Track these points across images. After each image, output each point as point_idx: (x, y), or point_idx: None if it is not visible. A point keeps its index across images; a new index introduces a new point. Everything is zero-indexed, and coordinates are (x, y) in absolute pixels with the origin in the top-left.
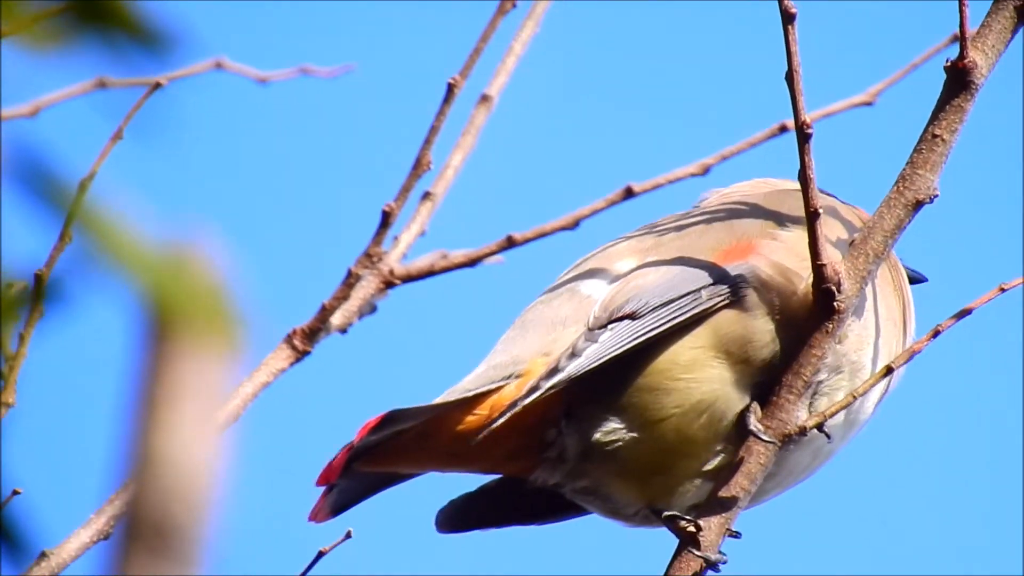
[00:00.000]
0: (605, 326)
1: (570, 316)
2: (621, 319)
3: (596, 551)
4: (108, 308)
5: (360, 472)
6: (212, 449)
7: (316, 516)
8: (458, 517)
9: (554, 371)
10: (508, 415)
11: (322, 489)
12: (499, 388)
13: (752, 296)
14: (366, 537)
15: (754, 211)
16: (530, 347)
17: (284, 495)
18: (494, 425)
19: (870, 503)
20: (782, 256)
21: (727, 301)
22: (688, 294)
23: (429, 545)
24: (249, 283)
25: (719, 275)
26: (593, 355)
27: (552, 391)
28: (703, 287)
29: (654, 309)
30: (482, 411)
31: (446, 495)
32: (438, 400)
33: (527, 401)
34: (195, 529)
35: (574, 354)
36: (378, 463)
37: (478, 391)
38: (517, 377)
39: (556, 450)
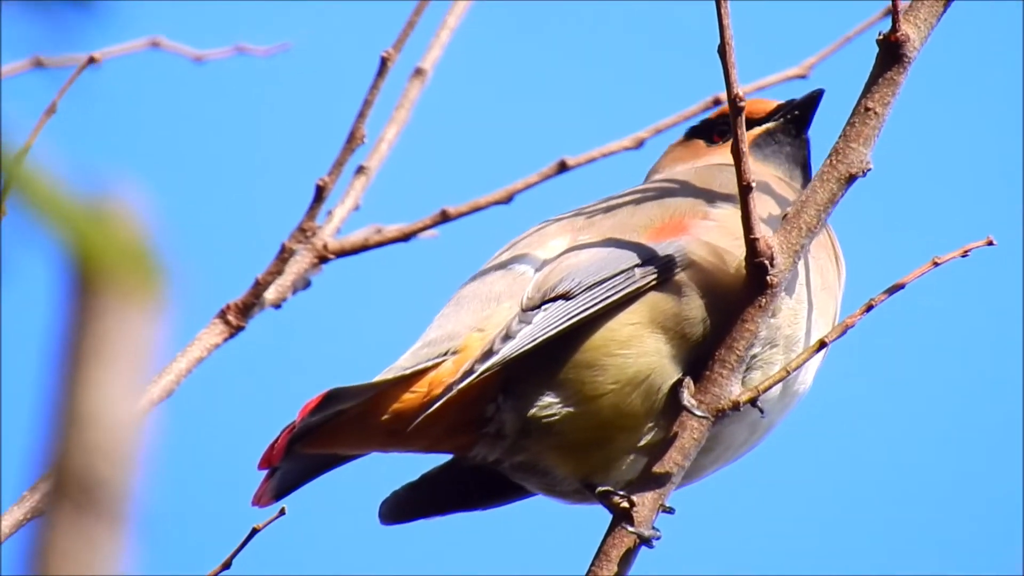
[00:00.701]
0: (539, 306)
1: (504, 292)
2: (554, 299)
3: (534, 531)
4: (38, 267)
5: (302, 454)
6: (138, 406)
7: (259, 500)
8: (401, 508)
9: (488, 353)
10: (444, 399)
11: (264, 472)
12: (436, 365)
13: (684, 275)
14: (309, 524)
15: (686, 188)
16: (465, 323)
17: (222, 473)
18: (430, 409)
19: (807, 480)
20: (713, 235)
21: (660, 279)
22: (620, 273)
23: (372, 531)
24: (176, 238)
25: (651, 254)
26: (527, 337)
27: (487, 373)
28: (635, 265)
29: (587, 289)
30: (420, 389)
31: (390, 480)
32: (377, 378)
33: (462, 384)
34: (121, 486)
35: (508, 336)
36: (319, 444)
37: (415, 368)
38: (454, 354)
39: (495, 426)
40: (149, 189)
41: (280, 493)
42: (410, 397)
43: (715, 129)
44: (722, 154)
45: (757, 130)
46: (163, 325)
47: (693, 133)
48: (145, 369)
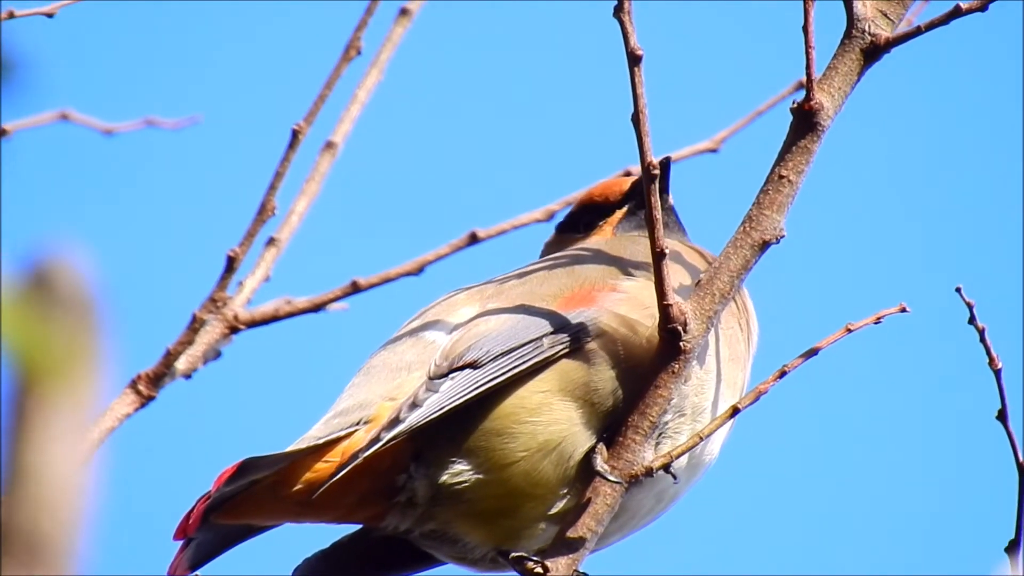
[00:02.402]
0: (446, 375)
1: (414, 362)
2: (462, 368)
3: None
4: None
5: (217, 524)
6: (80, 465)
7: (175, 570)
8: (313, 575)
9: (395, 421)
10: (350, 467)
11: (180, 543)
12: (349, 435)
13: (595, 344)
14: None
15: (597, 257)
16: (376, 392)
17: (135, 543)
18: (336, 477)
19: (719, 547)
20: (624, 307)
21: (569, 349)
22: (530, 342)
23: None
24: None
25: (561, 323)
26: (434, 405)
27: (394, 441)
28: (544, 335)
29: (495, 358)
30: (333, 458)
31: (303, 548)
32: (290, 448)
33: (369, 452)
34: (64, 542)
35: (415, 404)
36: (234, 514)
37: (328, 438)
38: (366, 423)
39: (406, 495)
40: (88, 255)
41: (196, 563)
42: (323, 467)
43: (581, 221)
44: (593, 241)
45: (618, 213)
46: (94, 393)
47: (562, 228)
48: (83, 433)
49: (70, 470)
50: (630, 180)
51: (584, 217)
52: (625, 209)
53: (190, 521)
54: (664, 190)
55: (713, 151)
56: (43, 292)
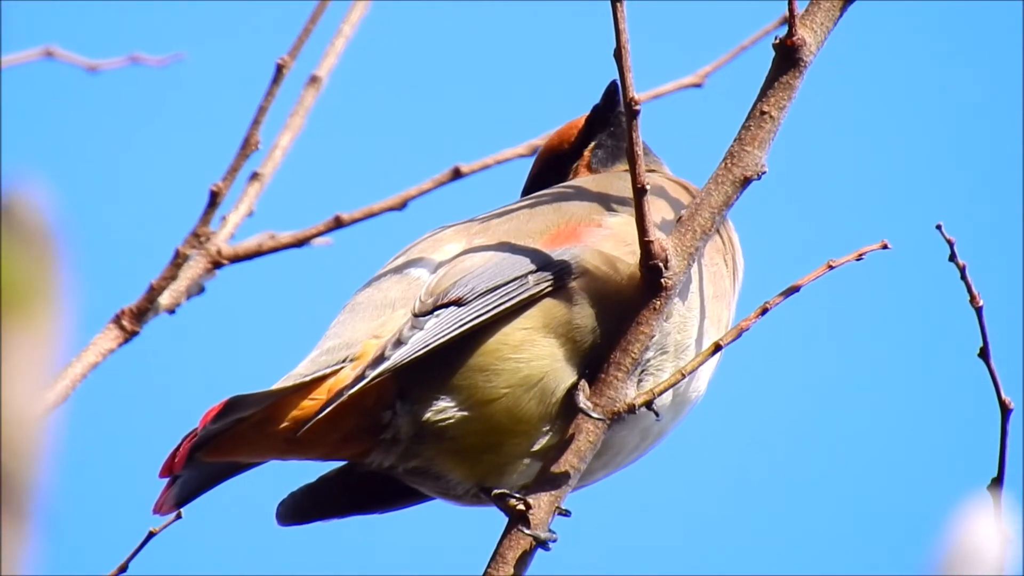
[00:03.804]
0: (431, 312)
1: (399, 299)
2: (447, 305)
3: (431, 533)
4: None
5: (203, 462)
6: (44, 403)
7: (160, 508)
8: (298, 509)
9: (380, 359)
10: (335, 404)
11: (165, 480)
12: (335, 372)
13: (578, 282)
14: (207, 527)
15: (581, 194)
16: (361, 330)
17: (119, 479)
18: (321, 414)
19: (700, 484)
20: (607, 244)
21: (554, 286)
22: (514, 280)
23: (269, 532)
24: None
25: (545, 260)
26: (418, 343)
27: (379, 379)
28: (529, 272)
29: (480, 295)
30: (319, 395)
31: (288, 486)
32: (276, 386)
33: (354, 390)
34: (26, 479)
35: (400, 342)
36: (220, 452)
37: (314, 376)
38: (351, 360)
39: (391, 432)
40: (50, 190)
41: (181, 501)
42: (309, 404)
43: (549, 176)
44: (578, 179)
45: (587, 152)
46: (62, 329)
47: (528, 190)
48: (47, 371)
49: (34, 408)
50: (582, 119)
51: (551, 172)
52: (592, 145)
53: (176, 459)
54: (611, 108)
55: (697, 86)
56: (3, 228)
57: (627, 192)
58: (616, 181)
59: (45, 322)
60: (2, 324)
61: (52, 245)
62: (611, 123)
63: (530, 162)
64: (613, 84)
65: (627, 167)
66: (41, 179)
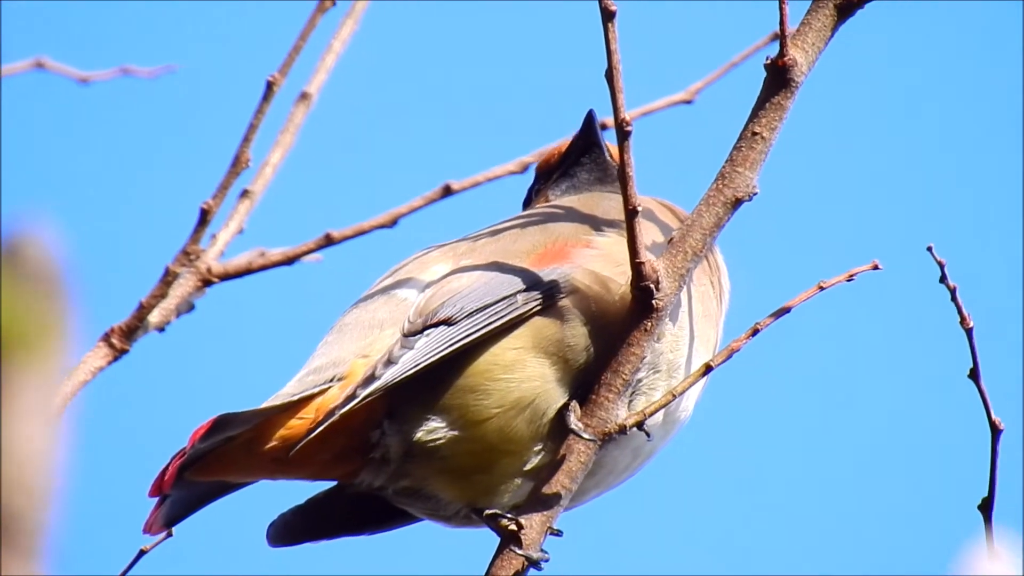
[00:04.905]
0: (420, 331)
1: (387, 319)
2: (436, 324)
3: (420, 555)
4: None
5: (192, 481)
6: (49, 441)
7: (150, 528)
8: (289, 530)
9: (371, 378)
10: (326, 423)
11: (155, 500)
12: (322, 391)
13: (568, 301)
14: (198, 546)
15: (570, 214)
16: (349, 350)
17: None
18: (312, 434)
19: (691, 504)
20: (597, 263)
21: (543, 305)
22: (504, 299)
23: (262, 557)
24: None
25: (534, 279)
26: (409, 362)
27: (369, 399)
28: (518, 291)
29: (470, 315)
30: (307, 415)
31: (279, 506)
32: (264, 405)
33: (345, 409)
34: (36, 519)
35: (390, 361)
36: (209, 471)
37: (302, 395)
38: (340, 380)
39: (380, 451)
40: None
41: (171, 520)
42: (297, 423)
43: (531, 192)
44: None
45: (546, 186)
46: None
47: (525, 204)
48: (53, 407)
49: (40, 447)
50: (566, 142)
51: (533, 187)
52: (555, 176)
53: (165, 478)
54: (594, 138)
55: (688, 103)
56: (12, 267)
57: (614, 213)
58: (602, 201)
59: (50, 361)
60: (7, 363)
61: (58, 285)
62: (588, 151)
63: (521, 179)
64: (590, 114)
65: (607, 190)
66: (47, 215)
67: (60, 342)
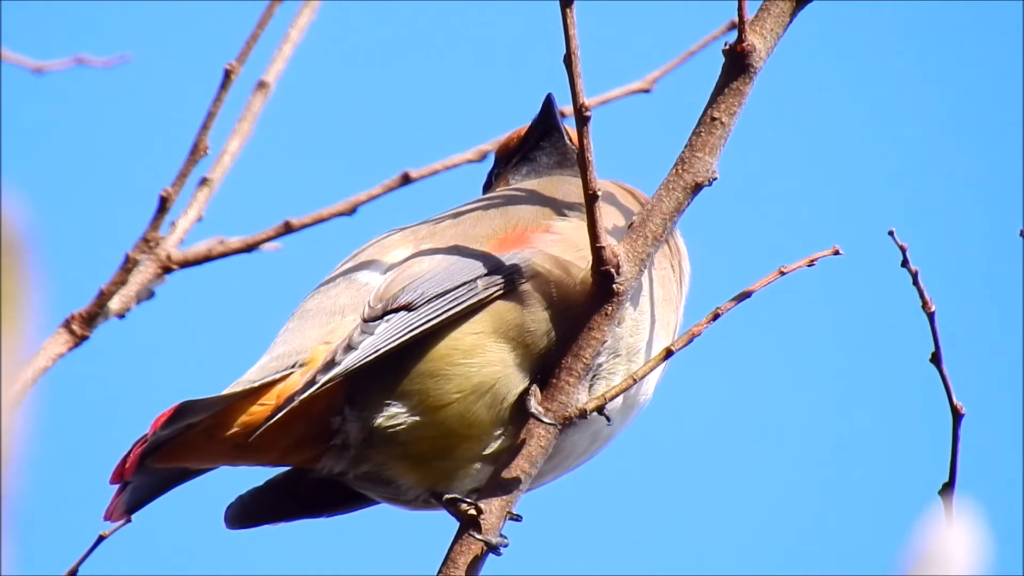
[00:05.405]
0: (381, 317)
1: (348, 305)
2: (397, 310)
3: (381, 537)
4: None
5: (153, 468)
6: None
7: (111, 515)
8: (246, 512)
9: (331, 364)
10: (286, 409)
11: (116, 487)
12: (284, 378)
13: (528, 286)
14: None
15: (530, 198)
16: (310, 336)
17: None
18: (272, 420)
19: (650, 487)
20: (558, 248)
21: (504, 290)
22: (464, 284)
23: (219, 539)
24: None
25: (494, 264)
26: (369, 347)
27: (329, 384)
28: (479, 277)
29: (430, 300)
30: (268, 401)
31: (237, 490)
32: (226, 391)
33: (305, 395)
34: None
35: (350, 346)
36: (170, 458)
37: (263, 381)
38: (300, 366)
39: (340, 437)
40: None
41: (132, 507)
42: (258, 410)
43: (490, 176)
44: (527, 184)
45: (506, 170)
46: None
47: (484, 188)
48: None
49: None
50: (526, 128)
51: (493, 171)
52: (515, 160)
53: (126, 465)
54: (552, 122)
55: (646, 91)
56: None
57: (574, 197)
58: (562, 185)
59: (14, 332)
60: None
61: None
62: (548, 135)
63: (479, 168)
64: (548, 97)
65: (567, 174)
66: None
67: (24, 314)
